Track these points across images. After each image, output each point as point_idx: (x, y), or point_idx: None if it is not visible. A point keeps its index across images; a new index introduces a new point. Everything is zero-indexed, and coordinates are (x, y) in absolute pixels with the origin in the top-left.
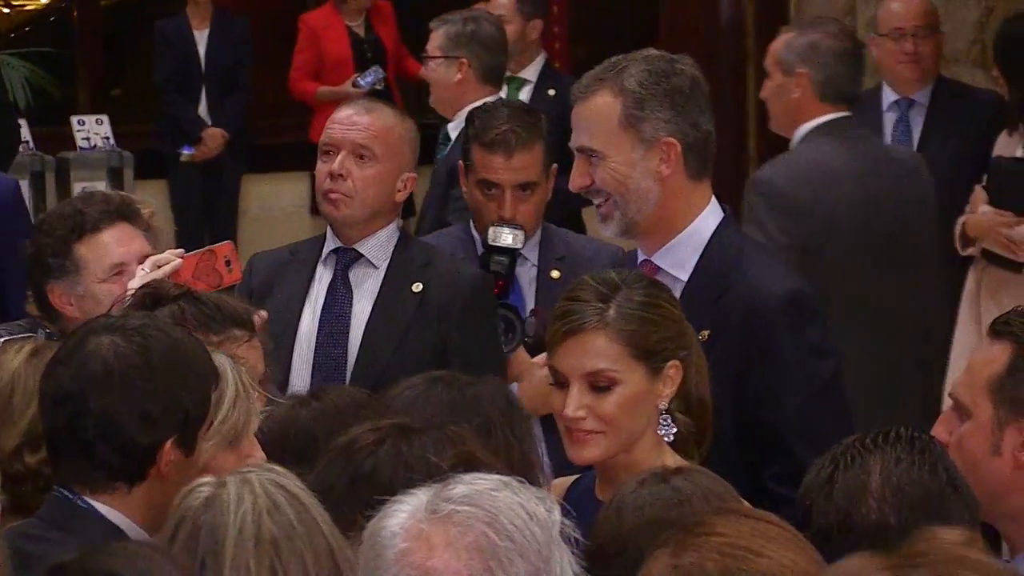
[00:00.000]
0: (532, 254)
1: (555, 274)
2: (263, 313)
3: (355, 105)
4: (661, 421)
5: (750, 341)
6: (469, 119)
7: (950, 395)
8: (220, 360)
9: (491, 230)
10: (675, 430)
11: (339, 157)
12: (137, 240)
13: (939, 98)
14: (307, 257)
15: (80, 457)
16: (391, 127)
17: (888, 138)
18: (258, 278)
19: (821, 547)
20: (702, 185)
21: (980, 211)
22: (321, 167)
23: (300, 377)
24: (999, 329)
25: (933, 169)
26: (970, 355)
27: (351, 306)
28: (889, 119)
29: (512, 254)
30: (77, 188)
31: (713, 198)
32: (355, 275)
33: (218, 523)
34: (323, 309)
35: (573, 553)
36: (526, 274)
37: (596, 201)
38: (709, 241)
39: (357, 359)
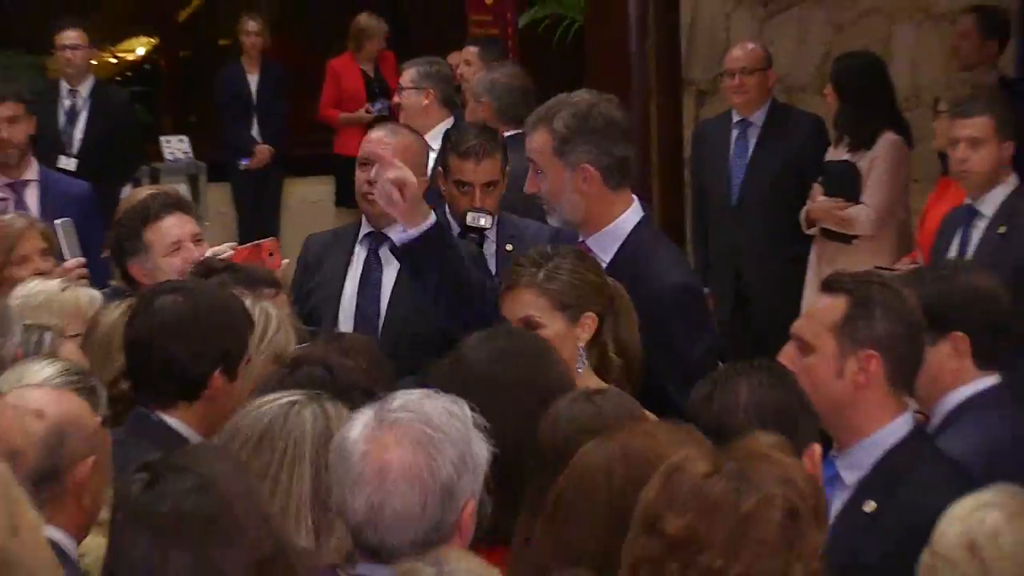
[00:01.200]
0: (492, 233)
1: (509, 247)
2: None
3: (384, 128)
4: (580, 359)
5: (647, 319)
6: (446, 136)
7: (792, 334)
8: (264, 305)
9: (469, 215)
10: (585, 365)
11: (374, 169)
12: (189, 224)
13: (771, 120)
14: (347, 239)
15: (151, 384)
16: (409, 144)
17: (731, 151)
18: (312, 252)
19: None
20: (622, 193)
21: (818, 200)
22: (360, 175)
23: (345, 327)
24: (833, 285)
25: (762, 173)
26: (809, 305)
27: (381, 275)
28: (733, 134)
29: (482, 232)
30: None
31: (635, 200)
32: (383, 253)
33: (294, 430)
34: (360, 278)
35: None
36: (488, 248)
37: (543, 202)
38: (628, 235)
39: (385, 313)
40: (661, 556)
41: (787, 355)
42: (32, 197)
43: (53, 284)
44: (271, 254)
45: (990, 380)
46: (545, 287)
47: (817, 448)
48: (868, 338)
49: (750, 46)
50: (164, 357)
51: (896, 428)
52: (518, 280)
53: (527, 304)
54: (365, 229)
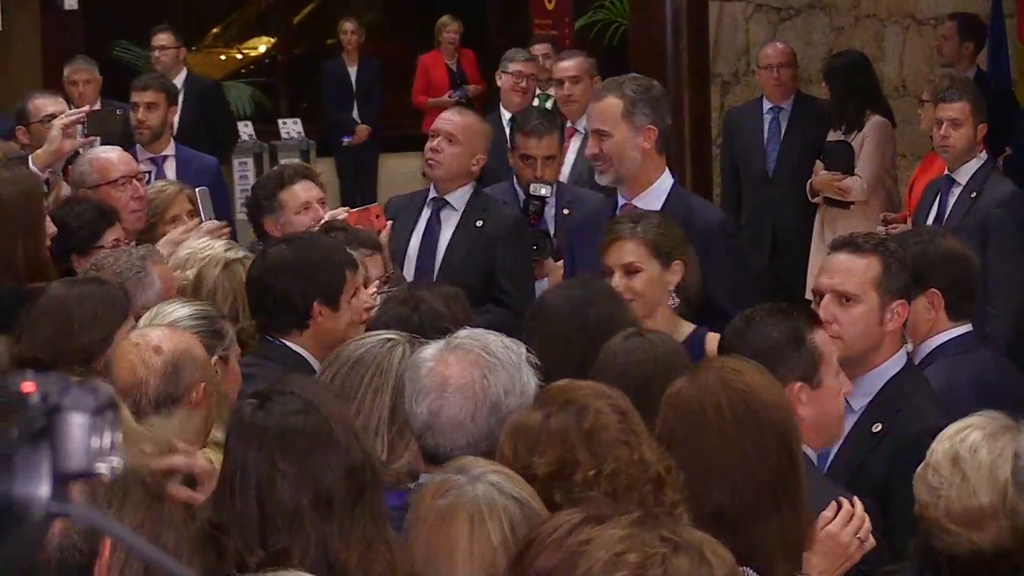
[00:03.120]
0: (552, 200)
1: (566, 211)
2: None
3: (453, 110)
4: (671, 297)
5: (703, 250)
6: (512, 118)
7: (830, 288)
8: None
9: (532, 186)
10: (678, 302)
11: (437, 139)
12: (315, 189)
13: (797, 106)
14: (419, 201)
15: (268, 315)
16: (470, 124)
17: (765, 132)
18: (390, 211)
19: None
20: (663, 159)
21: (820, 174)
22: (428, 144)
23: (407, 276)
24: (862, 246)
25: (794, 148)
26: (840, 264)
27: (439, 233)
28: (767, 119)
29: (543, 200)
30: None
31: (666, 167)
32: (444, 214)
33: (383, 362)
34: (423, 235)
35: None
36: (548, 212)
37: (598, 164)
38: (669, 193)
39: (440, 266)
40: (544, 491)
41: (826, 308)
42: (170, 169)
43: (219, 246)
44: (377, 216)
45: (961, 329)
46: (643, 237)
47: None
48: (899, 290)
49: (780, 45)
50: (274, 292)
51: (896, 361)
52: (620, 232)
53: (628, 252)
54: (432, 194)
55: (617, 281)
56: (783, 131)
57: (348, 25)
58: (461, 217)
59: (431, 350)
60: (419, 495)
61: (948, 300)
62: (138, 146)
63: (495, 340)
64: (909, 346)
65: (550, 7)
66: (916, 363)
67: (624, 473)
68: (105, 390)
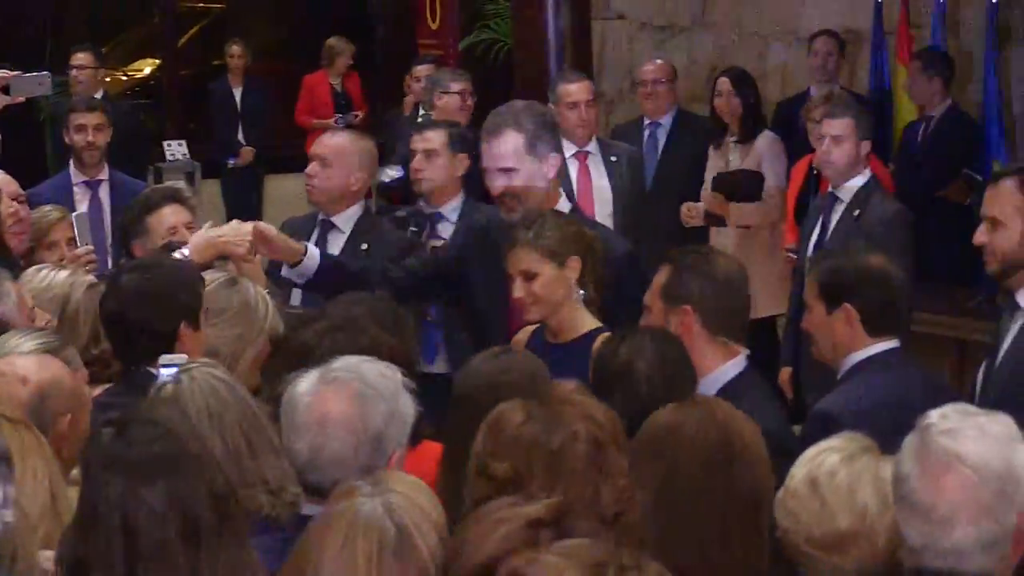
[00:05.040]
0: (454, 215)
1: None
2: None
3: (328, 132)
4: (575, 292)
5: (608, 279)
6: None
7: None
8: (259, 289)
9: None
10: (582, 294)
11: (313, 163)
12: (183, 212)
13: (677, 122)
14: (310, 222)
15: (132, 347)
16: (342, 145)
17: (644, 148)
18: (286, 232)
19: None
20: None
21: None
22: (307, 169)
23: (295, 298)
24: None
25: (671, 165)
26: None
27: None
28: (645, 135)
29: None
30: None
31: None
32: (331, 236)
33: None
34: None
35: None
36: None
37: (506, 201)
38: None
39: None
40: (493, 495)
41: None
42: (105, 193)
43: (62, 276)
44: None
45: (882, 345)
46: (536, 243)
47: None
48: (683, 298)
49: (659, 61)
50: (134, 322)
51: (734, 366)
52: (516, 240)
53: (524, 259)
54: (321, 216)
55: (518, 286)
56: (660, 147)
57: (235, 48)
58: (347, 239)
59: (306, 384)
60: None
61: (865, 316)
62: (72, 169)
63: (371, 369)
64: (742, 356)
65: (434, 27)
66: (838, 378)
67: (573, 504)
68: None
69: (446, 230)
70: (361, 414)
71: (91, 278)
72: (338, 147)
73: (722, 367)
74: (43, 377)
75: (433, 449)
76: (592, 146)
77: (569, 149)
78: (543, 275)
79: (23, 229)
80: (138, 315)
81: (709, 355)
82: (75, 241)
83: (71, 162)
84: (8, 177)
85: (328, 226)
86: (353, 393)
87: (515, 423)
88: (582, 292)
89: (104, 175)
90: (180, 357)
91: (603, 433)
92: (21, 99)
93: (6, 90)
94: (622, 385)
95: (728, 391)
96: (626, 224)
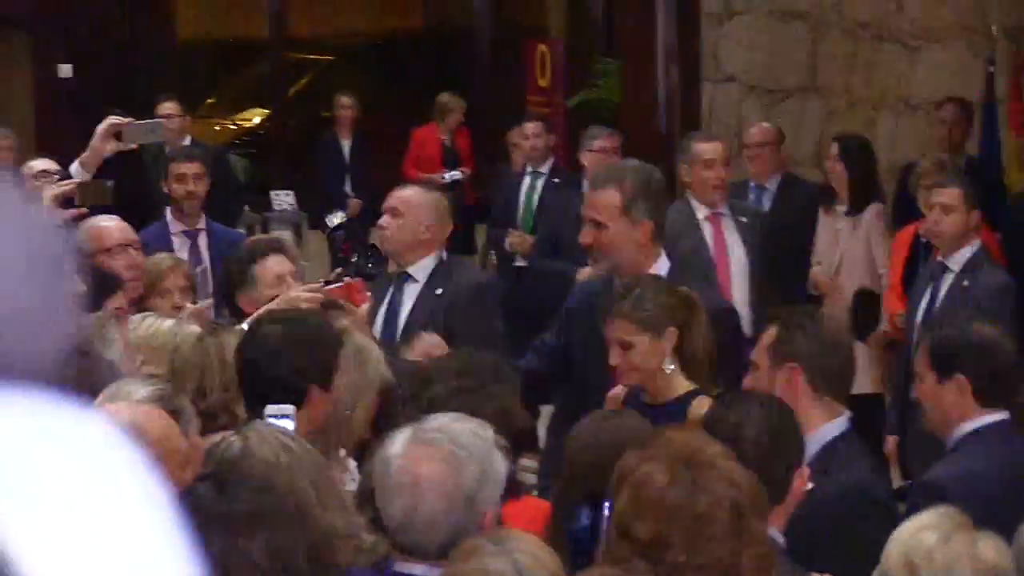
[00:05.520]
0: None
1: (438, 291)
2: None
3: (405, 186)
4: (667, 362)
5: None
6: None
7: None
8: (366, 340)
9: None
10: (673, 368)
11: (385, 216)
12: (287, 263)
13: (783, 186)
14: (388, 277)
15: (260, 398)
16: (412, 196)
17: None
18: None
19: None
20: (659, 247)
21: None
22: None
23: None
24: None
25: (774, 231)
26: None
27: (400, 308)
28: (751, 198)
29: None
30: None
31: (662, 254)
32: (406, 286)
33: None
34: (387, 308)
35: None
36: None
37: (593, 253)
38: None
39: (399, 337)
40: (633, 557)
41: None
42: (203, 243)
43: (167, 325)
44: (358, 291)
45: (992, 417)
46: (633, 314)
47: (806, 470)
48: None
49: (765, 125)
50: (266, 375)
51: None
52: (614, 309)
53: (620, 329)
54: (396, 268)
55: (615, 354)
56: (765, 210)
57: (344, 99)
58: (422, 288)
59: (399, 445)
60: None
61: (977, 386)
62: (171, 219)
63: (463, 429)
64: (844, 417)
65: (544, 85)
66: (947, 449)
67: (712, 571)
68: None
69: (411, 289)
70: (454, 476)
71: (196, 329)
72: (408, 198)
73: (825, 426)
74: (125, 422)
75: (537, 505)
76: (724, 208)
77: (701, 211)
78: (639, 346)
79: (137, 276)
80: (273, 369)
81: (813, 414)
82: (191, 290)
83: (168, 211)
84: (123, 223)
85: (404, 276)
86: (445, 455)
87: (660, 485)
88: (672, 366)
89: (202, 224)
90: (288, 408)
91: (745, 499)
92: (133, 146)
93: (119, 136)
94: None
95: (829, 450)
96: (760, 290)
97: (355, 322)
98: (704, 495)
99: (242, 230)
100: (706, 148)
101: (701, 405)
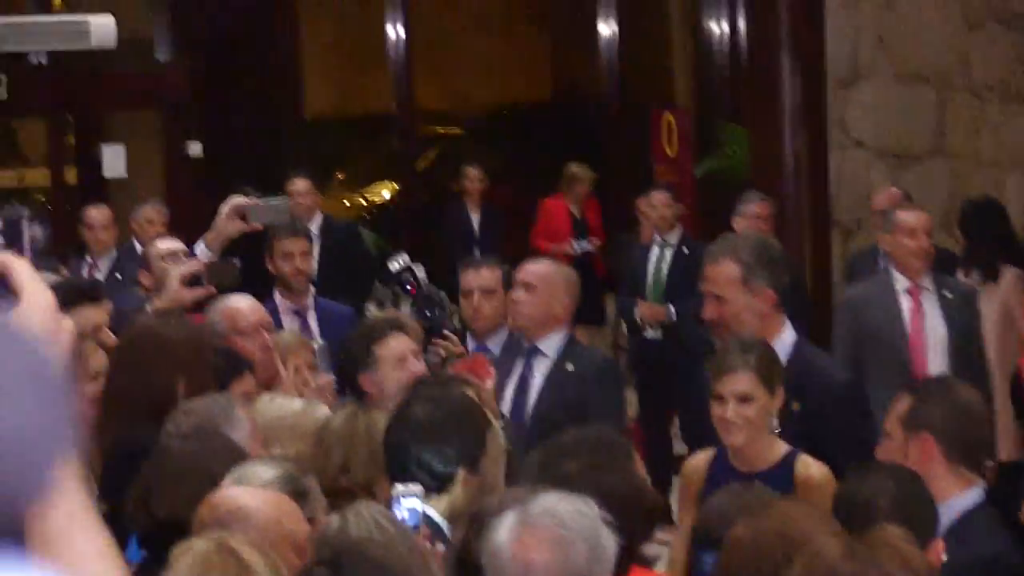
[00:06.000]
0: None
1: (569, 367)
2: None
3: (535, 260)
4: (773, 422)
5: (820, 410)
6: None
7: None
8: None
9: (389, 261)
10: (779, 429)
11: (518, 290)
12: (409, 341)
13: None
14: (515, 352)
15: (407, 479)
16: (547, 271)
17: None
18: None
19: None
20: (783, 314)
21: None
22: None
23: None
24: None
25: None
26: None
27: (531, 379)
28: (881, 264)
29: (402, 272)
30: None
31: (787, 321)
32: (536, 361)
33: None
34: (517, 382)
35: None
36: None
37: (718, 328)
38: (792, 349)
39: (532, 415)
40: None
41: None
42: (312, 320)
43: (296, 405)
44: (485, 366)
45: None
46: (755, 367)
47: (940, 543)
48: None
49: (893, 189)
50: (415, 457)
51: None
52: (733, 363)
53: (742, 382)
54: (526, 343)
55: (732, 409)
56: None
57: (472, 172)
58: (553, 363)
59: (506, 531)
60: None
61: None
62: (279, 297)
63: (569, 509)
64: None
65: (671, 154)
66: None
67: None
68: None
69: (541, 364)
70: (564, 560)
71: (326, 408)
72: (543, 274)
73: (959, 496)
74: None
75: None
76: (927, 280)
77: (901, 283)
78: (758, 400)
79: (270, 357)
80: (419, 449)
81: (947, 484)
82: (315, 368)
83: (275, 289)
84: (256, 304)
85: (534, 352)
86: (554, 538)
87: (834, 556)
88: (778, 426)
89: (310, 302)
90: (416, 488)
91: None
92: (259, 226)
93: (244, 217)
94: (863, 523)
95: (964, 521)
96: (958, 369)
97: (482, 397)
98: (877, 572)
99: (372, 305)
100: (908, 218)
101: (807, 466)
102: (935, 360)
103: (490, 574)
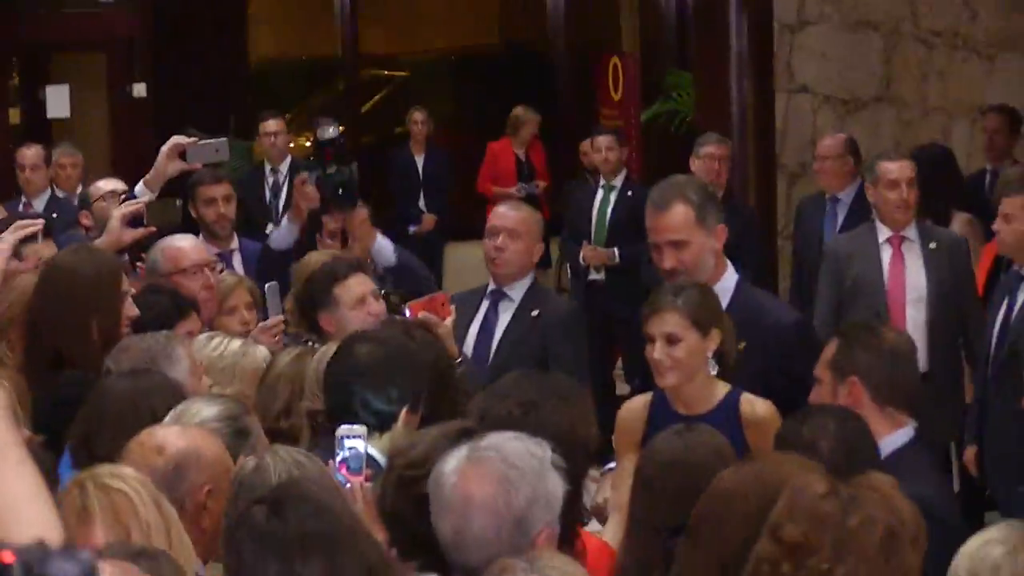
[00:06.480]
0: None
1: (534, 313)
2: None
3: (507, 204)
4: (710, 363)
5: (774, 351)
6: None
7: None
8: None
9: (318, 130)
10: (717, 370)
11: (500, 237)
12: (369, 282)
13: (858, 198)
14: (479, 294)
15: (349, 418)
16: (528, 217)
17: (824, 223)
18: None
19: None
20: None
21: None
22: (487, 243)
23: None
24: None
25: None
26: None
27: (496, 323)
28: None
29: (331, 142)
30: None
31: (729, 264)
32: (501, 305)
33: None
34: (480, 325)
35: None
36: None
37: (675, 276)
38: (734, 291)
39: (494, 355)
40: (779, 558)
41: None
42: (237, 263)
43: (235, 345)
44: (443, 304)
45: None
46: (683, 309)
47: None
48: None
49: (838, 135)
50: (359, 397)
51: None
52: (662, 304)
53: (670, 322)
54: (491, 286)
55: (659, 349)
56: (840, 222)
57: (417, 115)
58: (517, 307)
59: (452, 463)
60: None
61: None
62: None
63: (517, 447)
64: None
65: (616, 98)
66: None
67: None
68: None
69: (507, 308)
70: (504, 496)
71: (264, 349)
72: (525, 219)
73: (889, 437)
74: (180, 447)
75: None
76: (911, 231)
77: (883, 233)
78: (687, 341)
79: (212, 296)
80: (364, 389)
81: (877, 426)
82: (253, 306)
83: (200, 235)
84: (199, 243)
85: (499, 295)
86: (497, 474)
87: (817, 493)
88: (715, 369)
89: (235, 244)
90: (359, 429)
91: (903, 529)
92: (198, 165)
93: (183, 156)
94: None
95: (893, 460)
96: (936, 319)
97: (440, 335)
98: (859, 512)
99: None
100: (891, 168)
101: (752, 404)
102: (913, 312)
103: (432, 504)
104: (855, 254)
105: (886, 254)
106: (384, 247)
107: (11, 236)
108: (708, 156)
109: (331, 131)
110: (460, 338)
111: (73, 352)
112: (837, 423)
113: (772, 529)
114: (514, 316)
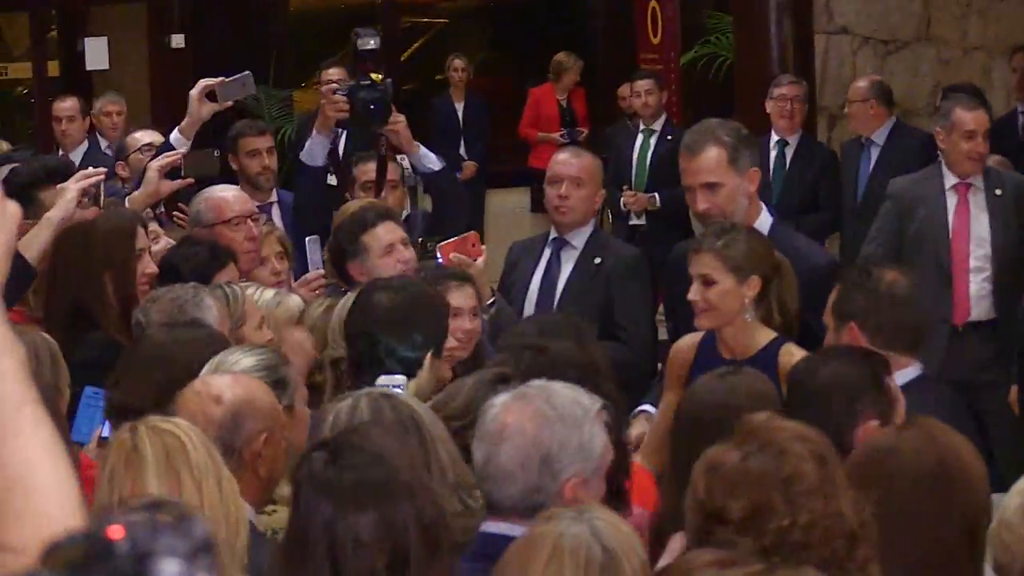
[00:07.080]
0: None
1: (597, 260)
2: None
3: (568, 151)
4: (748, 310)
5: (804, 290)
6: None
7: None
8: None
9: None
10: (753, 316)
11: (563, 184)
12: (398, 230)
13: (892, 139)
14: (539, 243)
15: (374, 366)
16: (591, 164)
17: (859, 165)
18: (513, 254)
19: None
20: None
21: None
22: (550, 191)
23: (529, 313)
24: None
25: (881, 184)
26: None
27: (559, 273)
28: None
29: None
30: None
31: (764, 206)
32: (564, 253)
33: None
34: (543, 274)
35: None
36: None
37: (709, 219)
38: (769, 232)
39: (558, 305)
40: (735, 535)
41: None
42: (277, 216)
43: (268, 296)
44: (474, 244)
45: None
46: (721, 252)
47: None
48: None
49: (868, 77)
50: (383, 345)
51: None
52: (701, 245)
53: (706, 264)
54: (552, 235)
55: (694, 289)
56: (872, 164)
57: (457, 62)
58: (580, 255)
59: (503, 397)
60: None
61: None
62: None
63: (565, 394)
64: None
65: (656, 42)
66: None
67: (819, 525)
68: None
69: (569, 256)
70: (536, 431)
71: (298, 299)
72: (588, 166)
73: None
74: (237, 395)
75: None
76: (977, 178)
77: (950, 179)
78: (721, 284)
79: (256, 247)
80: (387, 338)
81: None
82: (284, 256)
83: (239, 187)
84: (242, 194)
85: (561, 243)
86: (534, 410)
87: (736, 461)
88: (751, 316)
89: (275, 197)
90: (400, 378)
91: (823, 448)
92: (229, 104)
93: (213, 97)
94: (818, 405)
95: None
96: (1000, 266)
97: (472, 275)
98: (783, 455)
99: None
100: (968, 118)
101: (791, 354)
102: (978, 260)
103: (476, 434)
104: (920, 199)
105: (951, 201)
106: (426, 154)
107: (75, 185)
108: (781, 97)
109: (372, 42)
110: (523, 287)
111: (89, 307)
112: (845, 363)
113: (715, 514)
114: (576, 264)
